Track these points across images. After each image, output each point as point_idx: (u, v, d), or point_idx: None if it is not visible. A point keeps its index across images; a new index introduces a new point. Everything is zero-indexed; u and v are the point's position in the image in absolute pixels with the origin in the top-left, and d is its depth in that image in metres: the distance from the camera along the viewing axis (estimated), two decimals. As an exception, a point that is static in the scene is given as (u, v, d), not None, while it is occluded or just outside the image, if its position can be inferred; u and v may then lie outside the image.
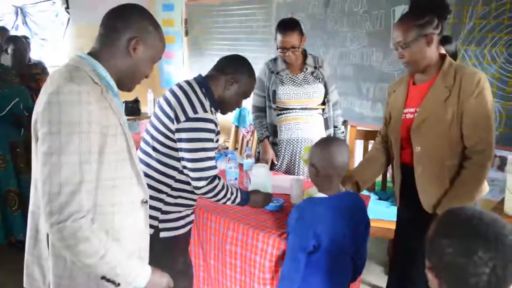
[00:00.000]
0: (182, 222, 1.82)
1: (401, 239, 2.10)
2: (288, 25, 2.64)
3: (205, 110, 1.70)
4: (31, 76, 3.64)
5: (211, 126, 1.70)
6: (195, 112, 1.68)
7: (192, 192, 1.80)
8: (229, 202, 1.83)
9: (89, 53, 1.26)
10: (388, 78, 3.60)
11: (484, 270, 0.84)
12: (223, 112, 1.91)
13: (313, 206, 1.60)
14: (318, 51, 4.03)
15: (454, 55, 2.41)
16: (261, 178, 2.05)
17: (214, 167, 1.74)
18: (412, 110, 1.86)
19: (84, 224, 1.10)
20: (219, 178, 1.77)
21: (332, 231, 1.57)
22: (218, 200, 1.80)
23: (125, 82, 1.30)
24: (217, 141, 1.81)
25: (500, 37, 2.96)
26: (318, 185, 1.69)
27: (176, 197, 1.78)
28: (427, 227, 1.86)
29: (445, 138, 1.76)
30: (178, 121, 1.68)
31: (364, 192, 2.69)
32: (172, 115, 1.70)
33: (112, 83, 1.25)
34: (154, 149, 1.74)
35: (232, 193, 1.82)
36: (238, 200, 1.85)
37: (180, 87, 1.78)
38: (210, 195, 1.76)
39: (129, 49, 1.25)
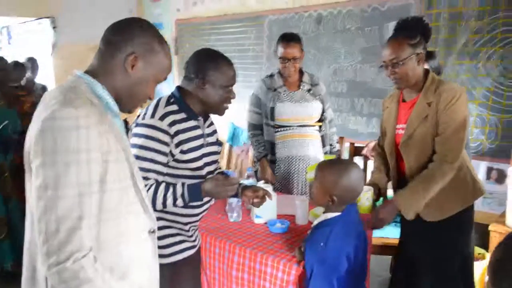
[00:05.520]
0: (169, 250, 1.70)
1: (404, 250, 2.12)
2: (291, 37, 2.68)
3: (152, 116, 1.62)
4: (15, 98, 3.54)
5: (152, 133, 1.59)
6: (143, 119, 1.64)
7: (173, 213, 1.69)
8: (169, 203, 1.60)
9: (87, 71, 1.17)
10: (382, 94, 3.59)
11: None
12: (219, 114, 1.77)
13: (334, 227, 1.56)
14: (311, 68, 4.01)
15: (437, 70, 2.49)
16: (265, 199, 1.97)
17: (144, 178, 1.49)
18: (403, 126, 1.95)
19: (86, 264, 1.01)
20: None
21: (355, 247, 1.55)
22: (153, 207, 1.55)
23: (124, 102, 1.21)
24: (184, 151, 1.64)
25: (494, 51, 2.98)
26: (328, 208, 1.64)
27: (157, 219, 1.67)
28: (428, 236, 1.92)
29: (429, 151, 1.87)
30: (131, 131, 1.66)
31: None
32: None
33: (112, 103, 1.17)
34: None
35: (165, 196, 1.58)
36: (179, 200, 1.60)
37: None
38: None
39: (126, 65, 1.16)
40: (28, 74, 4.24)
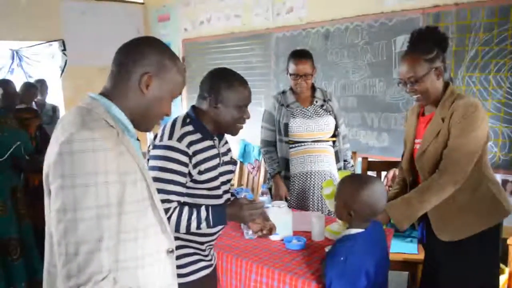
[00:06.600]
0: (186, 270, 1.67)
1: (427, 266, 2.05)
2: (302, 53, 2.70)
3: (170, 138, 1.61)
4: (21, 121, 3.54)
5: (171, 154, 1.58)
6: (160, 140, 1.62)
7: (190, 233, 1.64)
8: (193, 226, 1.59)
9: (101, 93, 1.17)
10: (392, 108, 3.59)
11: None
12: (232, 134, 1.76)
13: (356, 243, 1.53)
14: (320, 84, 4.04)
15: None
16: (281, 216, 1.95)
17: (166, 201, 1.54)
18: (420, 141, 1.91)
19: (106, 286, 1.00)
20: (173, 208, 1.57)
21: (376, 265, 1.52)
22: (177, 230, 1.57)
23: (141, 122, 1.20)
24: (201, 172, 1.63)
25: (504, 62, 2.98)
26: (352, 224, 1.61)
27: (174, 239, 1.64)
28: (448, 255, 1.85)
29: None
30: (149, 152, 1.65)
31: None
32: None
33: (128, 124, 1.17)
34: None
35: (189, 219, 1.57)
36: (203, 224, 1.59)
37: None
38: None
39: (141, 86, 1.15)
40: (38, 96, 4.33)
